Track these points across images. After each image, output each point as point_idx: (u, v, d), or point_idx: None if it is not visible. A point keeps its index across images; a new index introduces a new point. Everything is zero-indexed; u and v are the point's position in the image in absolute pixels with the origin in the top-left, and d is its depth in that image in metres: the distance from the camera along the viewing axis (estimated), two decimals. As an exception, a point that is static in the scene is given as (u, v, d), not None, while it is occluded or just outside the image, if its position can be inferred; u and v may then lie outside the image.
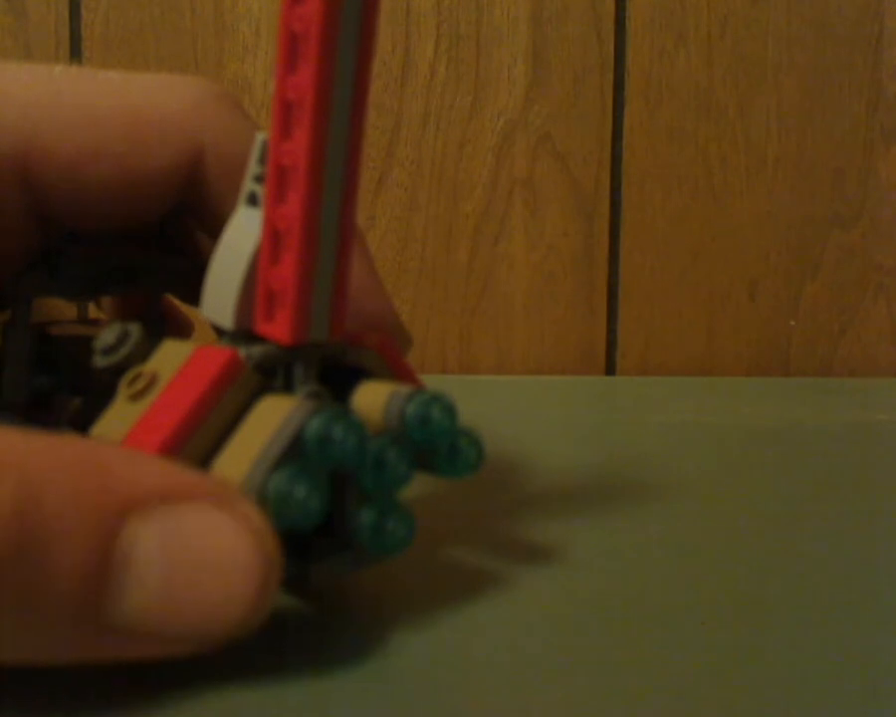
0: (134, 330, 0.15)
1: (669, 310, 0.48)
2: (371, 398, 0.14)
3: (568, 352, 0.47)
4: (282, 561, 0.12)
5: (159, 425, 0.13)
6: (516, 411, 0.36)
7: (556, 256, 0.47)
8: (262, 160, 0.15)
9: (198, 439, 0.14)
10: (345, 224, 0.14)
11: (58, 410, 0.18)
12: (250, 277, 0.14)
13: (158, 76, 0.18)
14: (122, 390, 0.15)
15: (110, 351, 0.15)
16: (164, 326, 0.21)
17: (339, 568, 0.14)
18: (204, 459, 0.14)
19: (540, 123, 0.46)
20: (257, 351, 0.14)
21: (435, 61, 0.46)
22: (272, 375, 0.15)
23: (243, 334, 0.15)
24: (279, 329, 0.14)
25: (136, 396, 0.14)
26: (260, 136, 0.15)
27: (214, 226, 0.17)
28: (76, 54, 0.44)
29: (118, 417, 0.14)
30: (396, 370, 0.16)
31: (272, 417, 0.13)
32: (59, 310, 0.21)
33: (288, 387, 0.15)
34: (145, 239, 0.20)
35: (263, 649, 0.14)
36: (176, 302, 0.22)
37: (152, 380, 0.14)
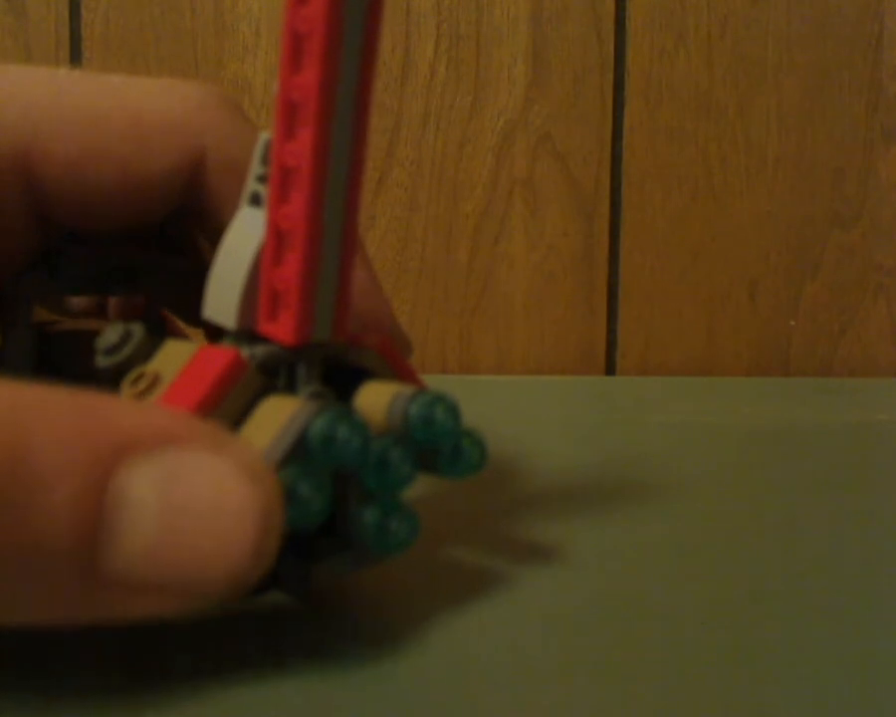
0: (137, 330, 0.15)
1: (669, 310, 0.48)
2: (374, 399, 0.14)
3: (568, 352, 0.47)
4: (284, 509, 0.12)
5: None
6: (516, 411, 0.36)
7: (556, 256, 0.47)
8: (265, 160, 0.15)
9: (201, 439, 0.14)
10: (349, 224, 0.14)
11: None
12: (253, 277, 0.14)
13: (160, 79, 0.18)
14: (125, 390, 0.15)
15: (112, 350, 0.15)
16: (166, 326, 0.21)
17: (341, 568, 0.15)
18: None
19: (540, 123, 0.46)
20: (260, 351, 0.14)
21: (435, 61, 0.46)
22: (275, 376, 0.15)
23: (246, 334, 0.15)
24: (282, 329, 0.14)
25: (139, 397, 0.14)
26: (263, 136, 0.15)
27: (214, 230, 0.17)
28: (76, 54, 0.44)
29: (121, 417, 0.14)
30: (398, 371, 0.16)
31: (275, 417, 0.13)
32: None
33: (291, 388, 0.15)
34: (146, 240, 0.20)
35: (263, 649, 0.14)
36: (176, 320, 0.22)
37: (155, 381, 0.14)
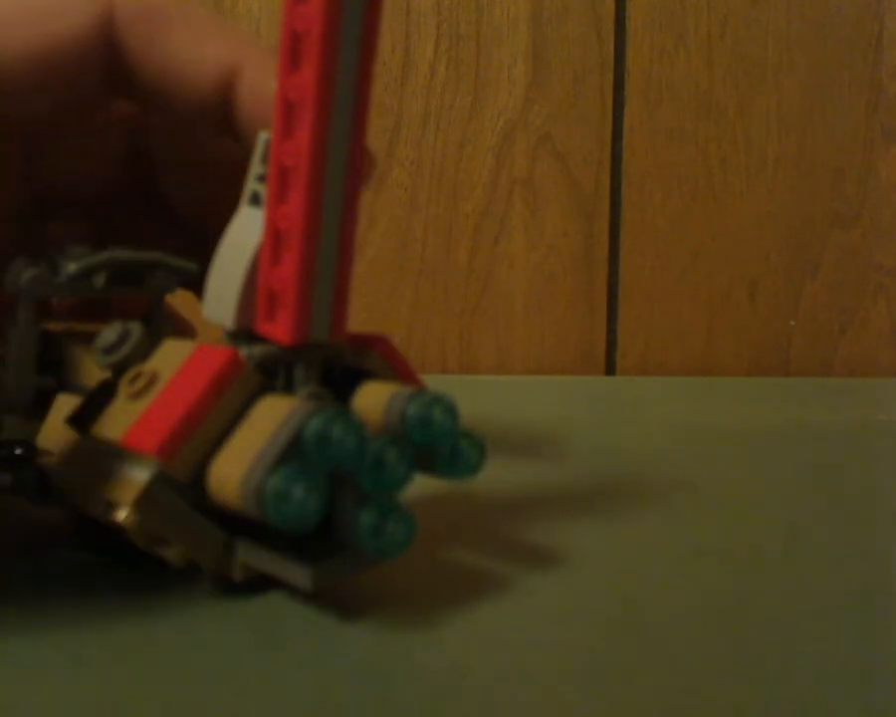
0: (135, 329, 0.15)
1: (669, 310, 0.48)
2: (373, 399, 0.14)
3: (568, 351, 0.47)
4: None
5: (159, 424, 0.13)
6: (516, 411, 0.36)
7: (556, 256, 0.47)
8: (264, 160, 0.15)
9: (198, 438, 0.14)
10: (347, 225, 0.14)
11: None
12: (252, 277, 0.14)
13: None
14: (123, 389, 0.15)
15: (110, 349, 0.15)
16: (166, 326, 0.21)
17: (338, 570, 0.14)
18: (204, 458, 0.14)
19: (540, 123, 0.46)
20: (258, 350, 0.14)
21: (435, 61, 0.46)
22: (273, 376, 0.15)
23: (244, 333, 0.15)
24: (279, 329, 0.14)
25: (137, 395, 0.14)
26: (262, 136, 0.15)
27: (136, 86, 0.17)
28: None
29: (119, 416, 0.14)
30: (398, 372, 0.16)
31: (271, 417, 0.13)
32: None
33: (289, 388, 0.15)
34: (139, 204, 0.20)
35: (263, 650, 0.14)
36: (176, 308, 0.22)
37: (153, 379, 0.14)
